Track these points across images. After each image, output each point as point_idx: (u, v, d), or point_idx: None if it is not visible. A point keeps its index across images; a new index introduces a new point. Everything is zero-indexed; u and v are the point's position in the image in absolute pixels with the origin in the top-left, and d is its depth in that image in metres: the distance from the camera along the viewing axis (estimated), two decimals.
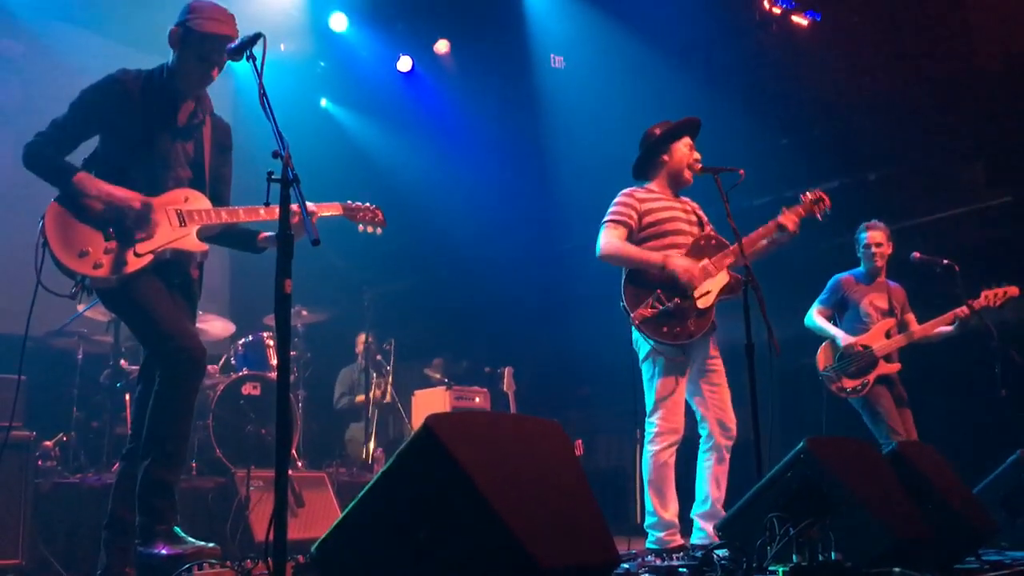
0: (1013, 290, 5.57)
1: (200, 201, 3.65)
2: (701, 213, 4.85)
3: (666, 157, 4.77)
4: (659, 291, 4.47)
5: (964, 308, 5.55)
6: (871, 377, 5.59)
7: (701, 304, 4.46)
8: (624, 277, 4.60)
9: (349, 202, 3.96)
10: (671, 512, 4.45)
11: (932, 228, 7.68)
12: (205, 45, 3.53)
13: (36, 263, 3.39)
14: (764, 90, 8.72)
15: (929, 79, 7.88)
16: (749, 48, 8.88)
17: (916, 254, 5.82)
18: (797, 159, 8.44)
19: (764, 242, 4.64)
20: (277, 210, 2.76)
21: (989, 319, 5.59)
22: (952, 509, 3.66)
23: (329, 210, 3.86)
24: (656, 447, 4.47)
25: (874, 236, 5.89)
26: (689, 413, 4.62)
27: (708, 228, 4.80)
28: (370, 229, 4.06)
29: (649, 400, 4.55)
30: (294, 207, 2.80)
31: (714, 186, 4.40)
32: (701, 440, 4.59)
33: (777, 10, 8.58)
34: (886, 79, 8.09)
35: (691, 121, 4.82)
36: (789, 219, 4.61)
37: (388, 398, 8.24)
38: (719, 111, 8.08)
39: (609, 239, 4.62)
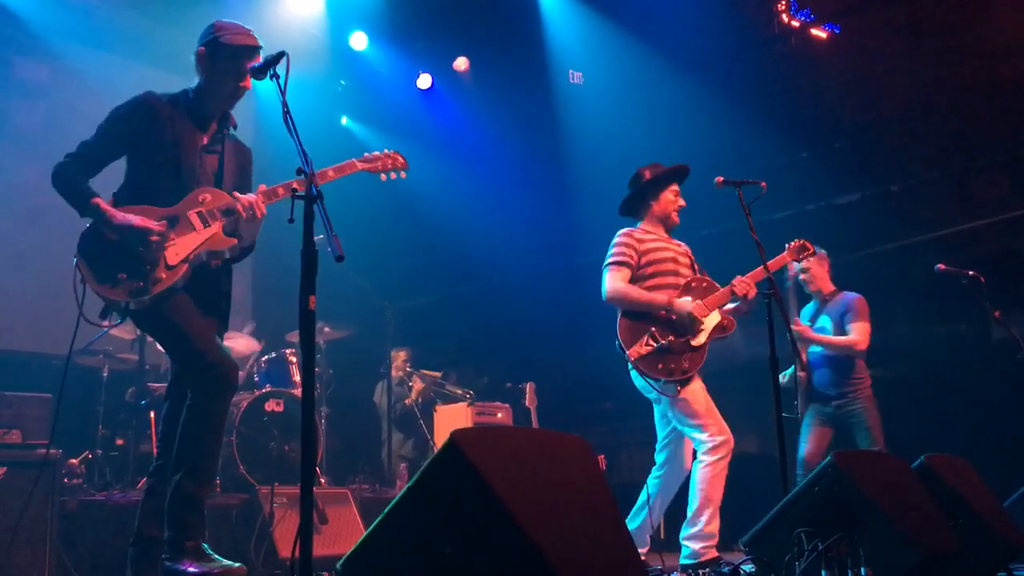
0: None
1: (220, 197, 3.66)
2: (692, 256, 4.96)
3: (652, 202, 4.90)
4: (653, 328, 4.54)
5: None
6: None
7: (695, 342, 4.53)
8: (619, 315, 4.66)
9: (366, 154, 3.98)
10: (714, 525, 4.45)
11: (956, 239, 7.60)
12: (239, 57, 3.60)
13: (77, 299, 3.45)
14: (784, 103, 8.69)
15: (951, 90, 7.84)
16: (768, 62, 8.86)
17: (941, 266, 5.73)
18: (818, 172, 8.40)
19: (730, 306, 4.67)
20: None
21: (1016, 331, 5.52)
22: (983, 523, 3.62)
23: (348, 170, 3.89)
24: (713, 459, 4.46)
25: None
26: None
27: (700, 272, 4.88)
28: (394, 175, 4.09)
29: (688, 420, 4.55)
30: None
31: (736, 199, 4.41)
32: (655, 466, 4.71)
33: (796, 23, 8.58)
34: (907, 90, 8.05)
35: (680, 169, 4.92)
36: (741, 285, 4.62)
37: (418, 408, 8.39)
38: (739, 125, 8.08)
39: (614, 282, 4.72)
